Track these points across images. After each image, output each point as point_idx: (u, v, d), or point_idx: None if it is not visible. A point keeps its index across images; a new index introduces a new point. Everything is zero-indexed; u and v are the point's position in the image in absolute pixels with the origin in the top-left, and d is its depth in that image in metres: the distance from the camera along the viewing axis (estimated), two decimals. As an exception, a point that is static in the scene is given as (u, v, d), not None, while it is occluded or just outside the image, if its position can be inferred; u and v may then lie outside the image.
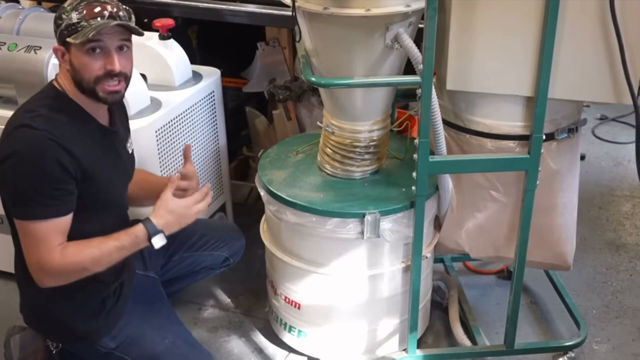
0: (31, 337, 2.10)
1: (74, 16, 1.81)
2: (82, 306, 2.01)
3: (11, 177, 1.82)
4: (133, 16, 1.91)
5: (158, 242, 1.92)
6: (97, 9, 1.82)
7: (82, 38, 1.79)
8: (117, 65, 1.85)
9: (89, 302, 2.01)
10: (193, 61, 2.83)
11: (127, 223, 2.13)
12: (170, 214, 1.95)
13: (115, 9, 1.84)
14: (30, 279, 2.00)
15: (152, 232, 1.91)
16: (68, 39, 1.82)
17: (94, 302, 2.01)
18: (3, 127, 1.88)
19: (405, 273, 2.25)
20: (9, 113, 2.44)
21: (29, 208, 1.81)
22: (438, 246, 2.36)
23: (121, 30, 1.86)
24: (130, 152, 2.09)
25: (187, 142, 2.67)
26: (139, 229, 1.91)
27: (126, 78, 1.91)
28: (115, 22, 1.82)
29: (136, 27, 1.88)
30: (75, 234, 1.87)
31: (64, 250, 1.85)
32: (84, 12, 1.81)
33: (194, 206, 1.99)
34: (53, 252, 1.84)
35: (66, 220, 1.85)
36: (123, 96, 1.95)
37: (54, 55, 1.96)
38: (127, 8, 1.90)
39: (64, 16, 1.82)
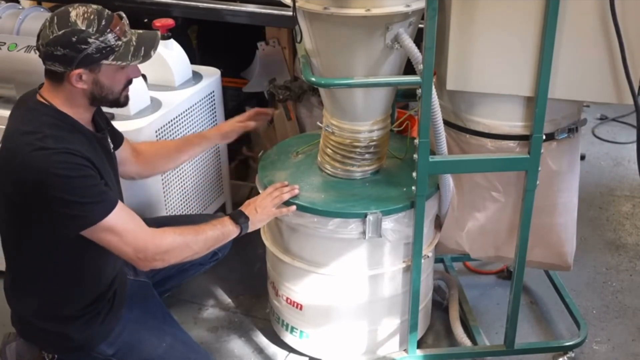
0: (27, 345, 2.08)
1: (110, 38, 1.79)
2: (76, 319, 1.99)
3: (60, 194, 1.76)
4: None
5: (240, 217, 2.08)
6: (125, 28, 1.84)
7: (137, 58, 1.84)
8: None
9: (82, 316, 2.00)
10: (193, 61, 2.83)
11: None
12: (249, 204, 2.15)
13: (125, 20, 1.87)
14: (18, 295, 2.01)
15: (233, 213, 2.11)
16: (107, 62, 1.80)
17: (88, 315, 2.00)
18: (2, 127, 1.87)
19: (406, 273, 2.25)
20: (9, 113, 2.44)
21: (92, 211, 1.79)
22: (438, 246, 2.36)
23: None
24: (112, 151, 2.09)
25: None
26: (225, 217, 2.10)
27: None
28: (159, 37, 1.91)
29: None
30: (87, 244, 1.86)
31: (150, 229, 1.91)
32: (115, 31, 1.80)
33: (266, 197, 2.15)
34: (140, 231, 1.88)
35: (124, 204, 1.90)
36: None
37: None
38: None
39: (91, 40, 1.76)
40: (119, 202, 1.86)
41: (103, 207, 1.81)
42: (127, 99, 1.97)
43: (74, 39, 1.76)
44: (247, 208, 2.12)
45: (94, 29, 1.77)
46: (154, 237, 1.91)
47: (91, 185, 1.80)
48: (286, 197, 2.15)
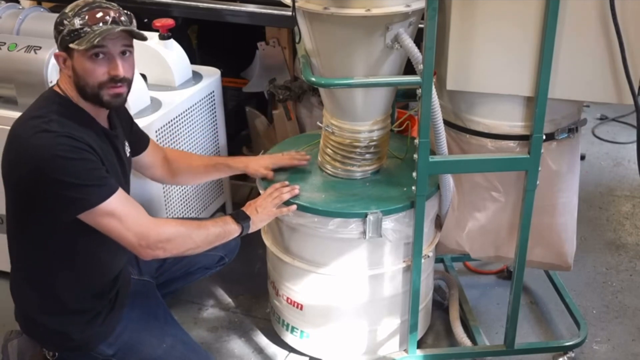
0: (29, 342, 2.08)
1: (77, 22, 1.79)
2: (77, 317, 2.00)
3: (60, 176, 1.77)
4: (134, 20, 1.90)
5: (241, 216, 2.09)
6: (100, 14, 1.81)
7: (86, 44, 1.78)
8: (121, 70, 1.85)
9: (83, 313, 2.00)
10: (193, 61, 2.83)
11: None
12: (250, 205, 2.16)
13: (117, 14, 1.84)
14: (22, 290, 2.01)
15: (234, 213, 2.11)
16: (71, 45, 1.80)
17: (89, 313, 2.01)
18: (6, 128, 1.87)
19: (406, 273, 2.25)
20: (9, 113, 2.44)
21: (91, 194, 1.80)
22: (439, 246, 2.36)
23: (124, 36, 1.85)
24: (127, 154, 2.10)
25: (187, 141, 2.68)
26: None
27: (129, 83, 1.91)
28: (119, 28, 1.82)
29: (140, 32, 1.89)
30: (90, 235, 1.87)
31: (152, 217, 1.92)
32: (87, 17, 1.80)
33: (267, 197, 2.16)
34: (142, 217, 1.89)
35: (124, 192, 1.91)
36: (126, 100, 1.95)
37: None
38: (128, 12, 1.89)
39: (65, 22, 1.81)
40: (121, 189, 1.86)
41: (103, 190, 1.81)
42: (112, 98, 1.88)
43: (57, 20, 1.84)
44: (248, 208, 2.12)
45: (72, 13, 1.81)
46: (156, 225, 1.91)
47: (91, 169, 1.81)
48: (286, 197, 2.15)
